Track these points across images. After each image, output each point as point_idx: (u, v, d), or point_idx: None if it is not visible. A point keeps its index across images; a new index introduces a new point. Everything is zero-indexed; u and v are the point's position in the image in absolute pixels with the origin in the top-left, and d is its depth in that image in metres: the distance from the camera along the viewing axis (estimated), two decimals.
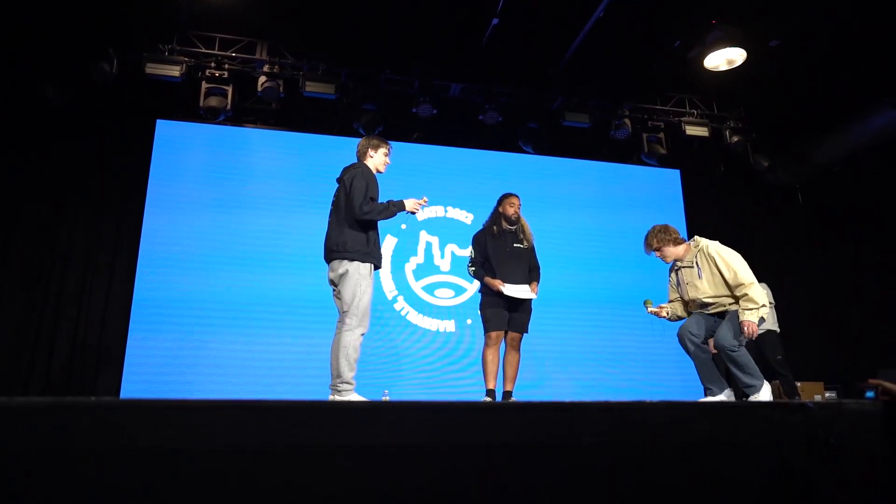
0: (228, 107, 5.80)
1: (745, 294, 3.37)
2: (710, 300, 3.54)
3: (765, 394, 3.39)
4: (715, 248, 3.54)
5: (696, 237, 3.69)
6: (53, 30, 5.34)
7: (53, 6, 5.23)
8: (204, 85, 5.77)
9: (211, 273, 5.93)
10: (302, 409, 1.06)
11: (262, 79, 5.86)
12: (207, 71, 5.78)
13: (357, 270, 3.34)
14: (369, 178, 3.47)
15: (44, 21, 5.29)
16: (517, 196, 4.30)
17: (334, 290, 3.51)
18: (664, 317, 3.78)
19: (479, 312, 4.15)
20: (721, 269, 3.46)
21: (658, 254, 3.68)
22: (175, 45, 5.71)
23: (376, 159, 3.66)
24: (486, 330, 4.04)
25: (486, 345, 4.03)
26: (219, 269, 5.96)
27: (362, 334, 3.36)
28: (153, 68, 5.56)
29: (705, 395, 3.54)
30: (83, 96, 5.84)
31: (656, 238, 3.67)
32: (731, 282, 3.42)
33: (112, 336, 5.73)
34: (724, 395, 3.51)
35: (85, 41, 5.38)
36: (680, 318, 3.76)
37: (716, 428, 1.34)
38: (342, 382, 3.28)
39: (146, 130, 6.15)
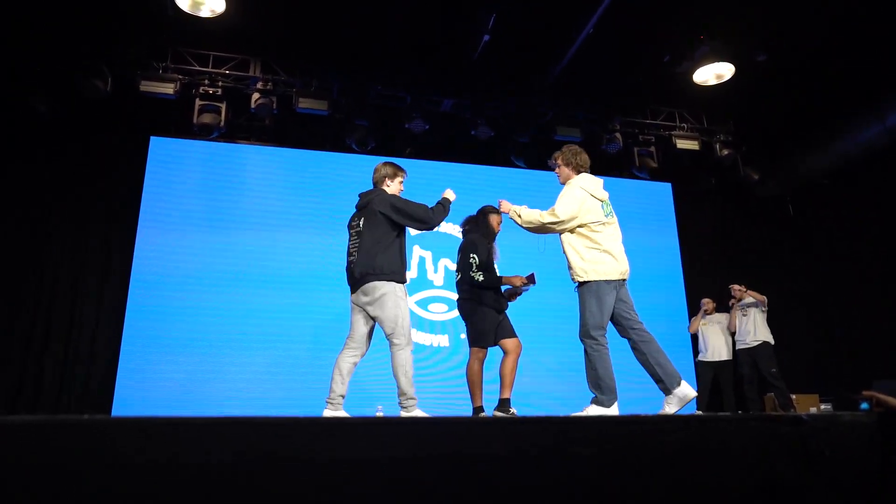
0: (222, 123, 5.82)
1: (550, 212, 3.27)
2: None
3: (609, 412, 3.04)
4: (572, 181, 3.47)
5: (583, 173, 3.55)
6: (48, 45, 5.36)
7: (48, 22, 5.25)
8: (198, 102, 5.78)
9: (204, 289, 5.91)
10: (292, 425, 1.05)
11: (256, 95, 5.88)
12: (201, 88, 5.80)
13: (394, 291, 3.38)
14: (403, 198, 3.56)
15: (39, 36, 5.30)
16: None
17: (356, 310, 3.53)
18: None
19: (472, 325, 3.99)
20: (561, 199, 3.36)
21: (557, 169, 3.65)
22: (169, 63, 5.73)
23: (393, 188, 3.72)
24: (482, 344, 3.92)
25: (478, 359, 3.95)
26: (212, 284, 5.94)
27: (411, 350, 3.44)
28: (147, 86, 5.58)
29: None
30: (77, 112, 5.86)
31: (563, 155, 3.61)
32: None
33: (104, 352, 5.68)
34: (681, 388, 3.09)
35: (79, 58, 5.39)
36: None
37: (707, 440, 1.34)
38: (407, 399, 3.37)
39: (140, 146, 6.16)
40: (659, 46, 5.87)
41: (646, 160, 6.91)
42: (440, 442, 1.09)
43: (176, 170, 6.21)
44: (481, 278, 3.89)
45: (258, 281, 6.05)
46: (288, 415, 1.12)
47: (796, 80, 6.30)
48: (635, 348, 3.22)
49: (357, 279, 3.46)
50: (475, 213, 4.32)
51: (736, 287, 6.23)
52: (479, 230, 4.15)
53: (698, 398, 6.16)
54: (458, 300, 4.12)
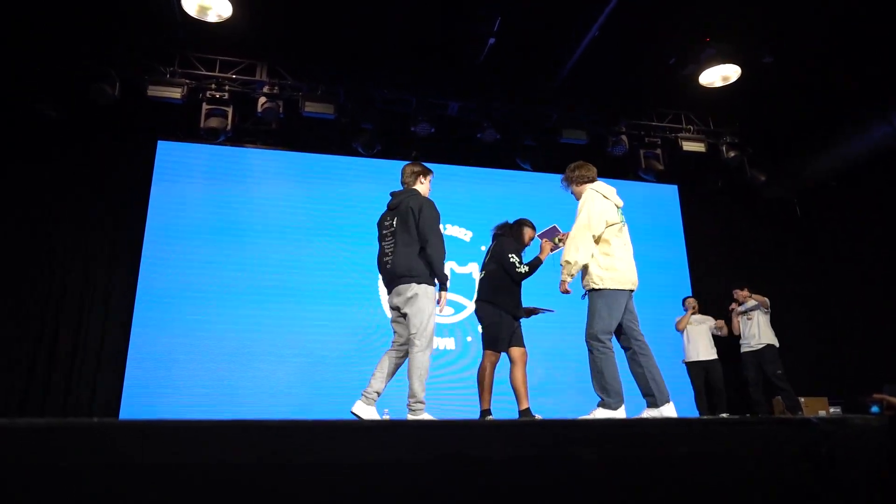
0: (229, 127, 5.85)
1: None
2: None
3: (616, 415, 3.06)
4: (588, 190, 3.46)
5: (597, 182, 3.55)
6: (56, 50, 5.41)
7: (56, 26, 5.30)
8: (204, 106, 5.82)
9: (210, 290, 5.94)
10: (293, 427, 1.05)
11: (262, 100, 5.91)
12: (208, 92, 5.84)
13: (425, 293, 3.39)
14: (435, 211, 3.54)
15: (47, 40, 5.35)
16: None
17: (395, 314, 3.55)
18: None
19: (488, 328, 3.96)
20: (579, 210, 3.37)
21: (572, 191, 3.66)
22: (176, 68, 5.77)
23: (424, 188, 3.76)
24: (497, 349, 3.91)
25: (491, 362, 3.91)
26: (219, 288, 5.97)
27: (430, 355, 3.45)
28: (155, 90, 5.61)
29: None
30: (84, 115, 5.90)
31: (566, 178, 3.68)
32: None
33: (111, 354, 5.71)
34: (667, 408, 3.14)
35: (88, 62, 5.44)
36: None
37: (712, 443, 1.33)
38: (416, 402, 3.38)
39: (143, 149, 6.20)
40: (664, 48, 5.85)
41: (652, 162, 6.89)
42: (441, 444, 1.09)
43: (183, 173, 6.26)
44: (525, 269, 4.02)
45: (265, 285, 6.07)
46: (291, 417, 1.12)
47: (802, 82, 6.26)
48: (633, 360, 3.25)
49: (392, 279, 3.48)
50: (512, 221, 4.38)
51: (741, 293, 6.20)
52: (513, 236, 4.25)
53: (696, 401, 6.12)
54: (476, 300, 4.14)
